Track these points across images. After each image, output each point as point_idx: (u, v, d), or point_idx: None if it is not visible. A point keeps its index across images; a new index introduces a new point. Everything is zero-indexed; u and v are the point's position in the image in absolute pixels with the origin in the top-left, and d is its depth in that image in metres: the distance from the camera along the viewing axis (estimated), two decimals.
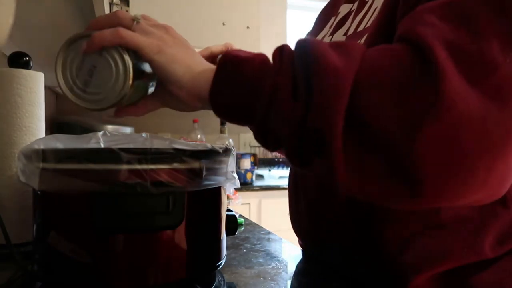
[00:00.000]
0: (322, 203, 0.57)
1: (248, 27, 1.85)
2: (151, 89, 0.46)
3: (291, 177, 0.68)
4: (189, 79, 0.40)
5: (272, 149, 0.40)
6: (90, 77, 0.41)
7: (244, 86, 0.37)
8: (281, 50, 0.36)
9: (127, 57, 0.40)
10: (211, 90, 0.38)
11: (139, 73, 0.42)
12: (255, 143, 2.30)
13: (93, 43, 0.40)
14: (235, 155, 0.46)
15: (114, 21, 0.42)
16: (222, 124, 2.05)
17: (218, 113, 0.40)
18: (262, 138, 0.38)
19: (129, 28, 0.42)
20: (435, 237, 0.44)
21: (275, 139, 0.37)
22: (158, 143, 0.42)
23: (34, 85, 0.60)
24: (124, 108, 0.46)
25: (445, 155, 0.31)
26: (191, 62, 0.42)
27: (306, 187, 0.61)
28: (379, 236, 0.47)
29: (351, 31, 0.55)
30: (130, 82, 0.40)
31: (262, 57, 0.38)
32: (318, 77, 0.33)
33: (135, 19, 0.42)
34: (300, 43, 0.36)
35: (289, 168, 0.78)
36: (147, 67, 0.43)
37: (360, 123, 0.32)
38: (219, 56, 0.43)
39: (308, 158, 0.35)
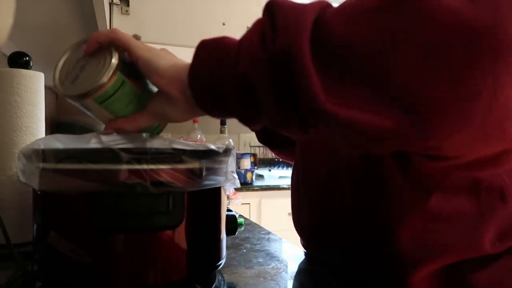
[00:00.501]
0: (324, 203, 0.57)
1: (248, 27, 1.85)
2: (143, 105, 0.45)
3: (294, 177, 0.68)
4: (171, 68, 0.41)
5: (254, 124, 0.38)
6: (81, 72, 0.43)
7: (218, 56, 0.37)
8: (255, 22, 0.37)
9: (116, 54, 0.42)
10: (189, 71, 0.39)
11: (128, 71, 0.42)
12: (255, 143, 2.30)
13: (91, 40, 0.42)
14: (235, 155, 0.46)
15: (115, 40, 0.44)
16: (222, 124, 2.06)
17: (196, 94, 0.39)
18: (242, 110, 0.37)
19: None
20: (435, 232, 0.44)
21: (255, 103, 0.35)
22: (158, 143, 0.42)
23: (34, 85, 0.60)
24: (112, 121, 0.44)
25: (435, 68, 0.28)
26: (175, 60, 0.42)
27: (309, 187, 0.61)
28: (380, 235, 0.47)
29: None
30: (114, 68, 0.41)
31: (232, 38, 0.38)
32: (281, 11, 0.33)
33: (135, 37, 0.44)
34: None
35: (289, 168, 0.78)
36: (138, 76, 0.44)
37: (327, 42, 0.31)
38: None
39: (288, 103, 0.33)
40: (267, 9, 0.35)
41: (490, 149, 0.33)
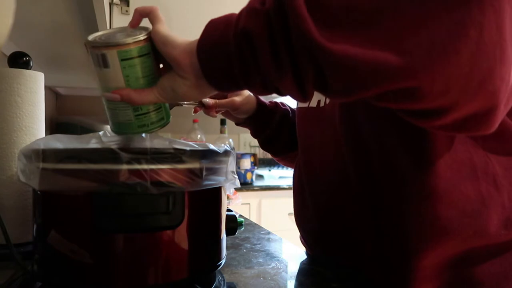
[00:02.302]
0: (331, 207, 0.57)
1: None
2: (151, 84, 0.46)
3: (296, 180, 0.68)
4: (184, 42, 0.43)
5: (254, 84, 0.39)
6: (115, 35, 0.45)
7: (223, 24, 0.39)
8: None
9: (149, 30, 0.45)
10: (198, 42, 0.40)
11: (153, 48, 0.45)
12: (255, 143, 2.30)
13: (134, 13, 0.46)
14: (235, 155, 0.46)
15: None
16: (222, 124, 2.06)
17: (203, 62, 0.40)
18: (241, 67, 0.38)
19: None
20: (441, 217, 0.45)
21: (253, 50, 0.36)
22: (158, 143, 0.42)
23: (34, 85, 0.60)
24: (122, 89, 0.44)
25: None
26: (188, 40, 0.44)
27: (314, 192, 0.61)
28: (387, 222, 0.48)
29: None
30: (141, 37, 0.44)
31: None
32: None
33: None
34: None
35: (289, 168, 0.79)
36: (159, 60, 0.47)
37: None
38: None
39: (284, 53, 0.35)
40: None
41: (473, 104, 0.34)
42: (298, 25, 0.33)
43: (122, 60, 0.43)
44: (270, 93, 0.40)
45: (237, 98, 0.69)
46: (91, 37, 0.45)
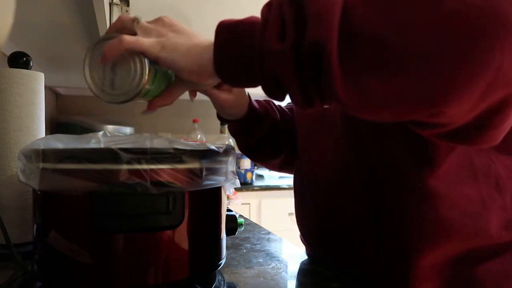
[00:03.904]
0: (331, 207, 0.57)
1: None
2: (171, 79, 0.48)
3: (297, 179, 0.68)
4: (194, 63, 0.42)
5: (282, 98, 0.40)
6: (115, 75, 0.44)
7: (240, 45, 0.38)
8: (269, 5, 0.37)
9: (141, 56, 0.43)
10: (214, 63, 0.40)
11: (155, 69, 0.44)
12: None
13: (104, 56, 0.43)
14: (235, 155, 0.46)
15: (119, 24, 0.47)
16: (222, 124, 2.05)
17: (226, 81, 0.41)
18: (269, 88, 0.38)
19: (131, 28, 0.46)
20: (442, 217, 0.45)
21: (279, 84, 0.37)
22: (158, 143, 0.42)
23: (34, 85, 0.60)
24: (152, 102, 0.48)
25: (448, 43, 0.30)
26: (190, 47, 0.43)
27: (314, 192, 0.61)
28: (386, 236, 0.48)
29: None
30: (147, 77, 0.43)
31: (252, 18, 0.39)
32: (307, 2, 0.34)
33: (135, 20, 0.46)
34: None
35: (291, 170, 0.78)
36: None
37: (352, 33, 0.32)
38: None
39: (310, 89, 0.35)
40: None
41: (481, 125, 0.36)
42: (326, 75, 0.33)
43: (143, 97, 0.45)
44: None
45: (225, 96, 0.59)
46: (93, 87, 0.45)
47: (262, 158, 0.75)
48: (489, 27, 0.29)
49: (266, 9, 0.37)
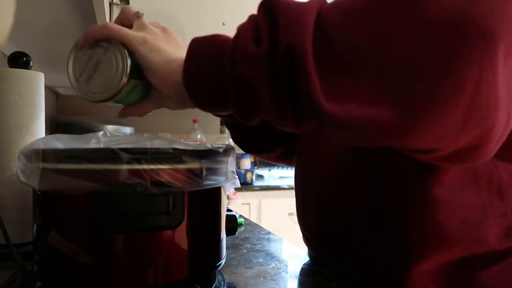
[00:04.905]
0: (331, 207, 0.57)
1: None
2: (147, 94, 0.48)
3: (298, 180, 0.68)
4: (163, 65, 0.42)
5: (252, 121, 0.38)
6: (95, 71, 0.44)
7: (212, 53, 0.38)
8: (248, 19, 0.37)
9: (125, 53, 0.43)
10: (183, 73, 0.39)
11: (136, 70, 0.44)
12: None
13: (86, 36, 0.43)
14: (235, 155, 0.46)
15: (120, 16, 0.47)
16: (222, 124, 2.06)
17: (192, 95, 0.40)
18: (240, 108, 0.37)
19: (130, 21, 0.46)
20: (442, 224, 0.44)
21: (249, 91, 0.35)
22: (158, 143, 0.42)
23: (34, 85, 0.60)
24: (125, 109, 0.49)
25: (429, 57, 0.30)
26: (171, 53, 0.43)
27: (315, 191, 0.61)
28: (387, 228, 0.48)
29: None
30: (127, 76, 0.43)
31: (225, 36, 0.39)
32: (281, 10, 0.34)
33: (136, 14, 0.46)
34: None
35: (289, 168, 0.78)
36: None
37: (328, 40, 0.32)
38: None
39: (284, 101, 0.34)
40: (265, 6, 0.36)
41: (468, 138, 0.34)
42: (303, 83, 0.32)
43: (115, 102, 0.46)
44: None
45: None
46: (71, 74, 0.45)
47: (257, 151, 0.75)
48: (469, 37, 0.29)
49: (243, 24, 0.37)
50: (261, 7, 0.36)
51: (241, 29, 0.36)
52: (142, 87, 0.46)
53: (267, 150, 0.73)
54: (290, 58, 0.32)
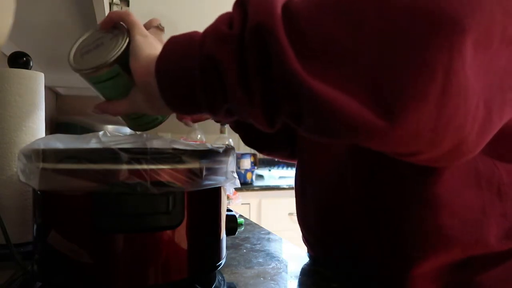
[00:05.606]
0: (330, 207, 0.57)
1: None
2: (127, 92, 0.47)
3: (298, 180, 0.68)
4: (146, 54, 0.42)
5: (219, 111, 0.38)
6: (94, 49, 0.46)
7: (184, 45, 0.38)
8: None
9: (125, 39, 0.44)
10: (156, 63, 0.39)
11: (127, 62, 0.44)
12: None
13: (107, 16, 0.46)
14: (235, 155, 0.46)
15: (146, 23, 0.49)
16: (222, 124, 2.06)
17: (160, 84, 0.39)
18: (205, 94, 0.36)
19: (150, 27, 0.49)
20: (442, 225, 0.44)
21: (219, 84, 0.35)
22: (158, 143, 0.42)
23: (34, 85, 0.60)
24: (100, 104, 0.49)
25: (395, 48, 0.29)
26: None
27: (314, 191, 0.61)
28: (387, 228, 0.48)
29: None
30: (114, 58, 0.44)
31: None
32: (252, 1, 0.34)
33: (159, 24, 0.49)
34: None
35: (289, 168, 0.78)
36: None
37: (297, 20, 0.32)
38: None
39: (254, 81, 0.33)
40: (238, 3, 0.36)
41: (444, 142, 0.33)
42: (278, 54, 0.31)
43: (94, 83, 0.46)
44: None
45: None
46: (74, 46, 0.47)
47: (269, 150, 0.75)
48: (438, 26, 0.29)
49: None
50: (234, 3, 0.37)
51: (217, 18, 0.37)
52: (123, 82, 0.45)
53: (279, 149, 0.74)
54: (260, 36, 0.32)
